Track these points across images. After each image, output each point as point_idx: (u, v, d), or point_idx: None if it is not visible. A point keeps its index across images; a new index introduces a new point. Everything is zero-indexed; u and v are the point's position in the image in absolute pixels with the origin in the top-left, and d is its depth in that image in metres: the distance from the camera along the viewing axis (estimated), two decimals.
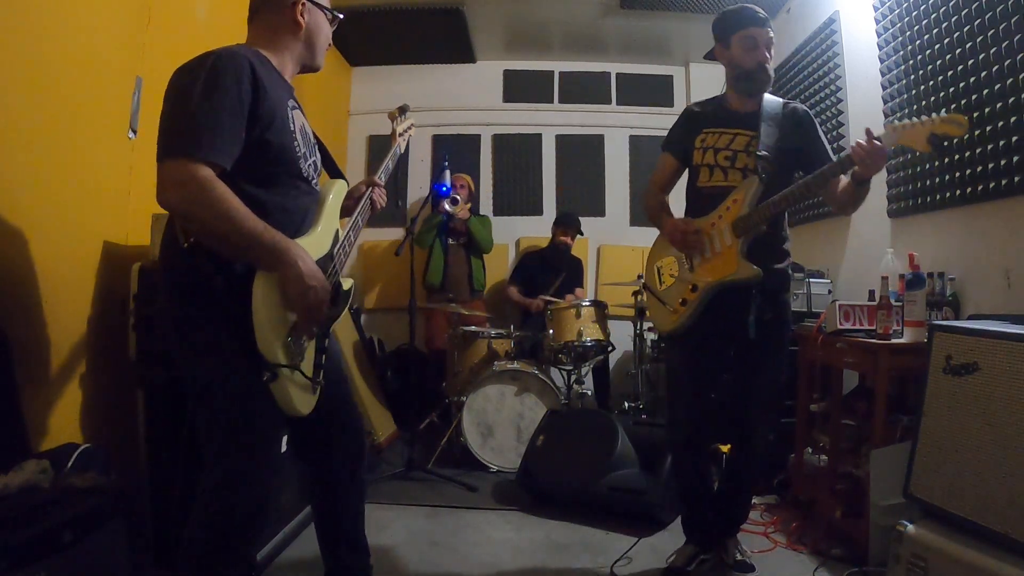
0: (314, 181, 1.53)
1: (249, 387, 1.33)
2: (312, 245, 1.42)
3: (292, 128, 1.44)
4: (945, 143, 1.65)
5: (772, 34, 1.95)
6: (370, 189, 1.77)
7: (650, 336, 4.07)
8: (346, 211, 1.70)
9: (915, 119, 1.69)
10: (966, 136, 2.31)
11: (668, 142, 2.15)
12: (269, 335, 1.29)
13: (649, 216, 2.17)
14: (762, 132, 1.91)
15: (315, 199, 1.54)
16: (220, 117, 1.25)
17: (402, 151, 1.87)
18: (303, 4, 1.49)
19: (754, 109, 1.97)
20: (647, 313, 3.38)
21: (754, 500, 2.63)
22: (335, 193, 1.60)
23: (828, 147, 2.01)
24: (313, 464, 1.68)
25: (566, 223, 4.38)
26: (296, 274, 1.30)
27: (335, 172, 1.67)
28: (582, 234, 4.45)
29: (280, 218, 1.36)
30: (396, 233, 4.91)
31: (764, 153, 1.90)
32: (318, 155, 1.58)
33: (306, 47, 1.54)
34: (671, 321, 2.05)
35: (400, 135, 1.88)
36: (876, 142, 1.70)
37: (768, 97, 2.00)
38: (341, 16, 1.63)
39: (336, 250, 1.55)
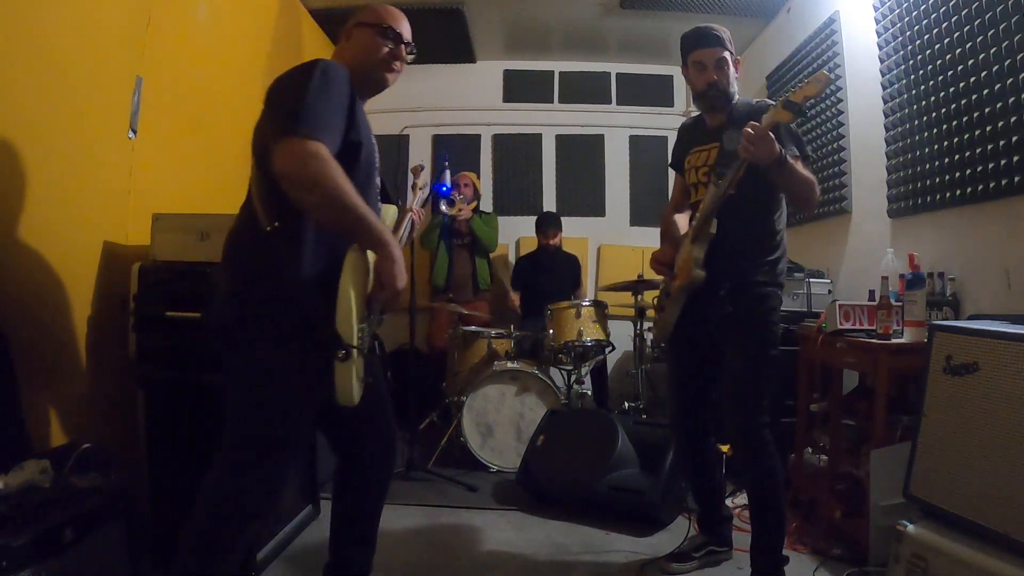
0: (379, 195, 1.65)
1: (304, 377, 1.40)
2: None
3: (373, 141, 1.57)
4: (807, 104, 1.73)
5: (724, 53, 1.97)
6: (409, 215, 1.92)
7: (650, 336, 4.07)
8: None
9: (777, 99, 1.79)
10: (966, 136, 2.33)
11: (672, 161, 2.26)
12: (350, 314, 1.37)
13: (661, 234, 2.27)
14: (724, 141, 1.94)
15: (378, 212, 1.64)
16: (333, 110, 1.39)
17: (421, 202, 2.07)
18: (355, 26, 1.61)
19: (722, 121, 2.01)
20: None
21: None
22: (389, 217, 1.75)
23: (788, 136, 1.88)
24: (344, 457, 1.75)
25: (544, 225, 4.38)
26: (392, 254, 1.42)
27: (386, 197, 1.78)
28: (559, 226, 4.44)
29: None
30: None
31: (707, 166, 2.01)
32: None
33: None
34: (657, 327, 2.23)
35: (421, 188, 2.17)
36: (750, 131, 1.73)
37: (739, 103, 2.00)
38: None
39: None
